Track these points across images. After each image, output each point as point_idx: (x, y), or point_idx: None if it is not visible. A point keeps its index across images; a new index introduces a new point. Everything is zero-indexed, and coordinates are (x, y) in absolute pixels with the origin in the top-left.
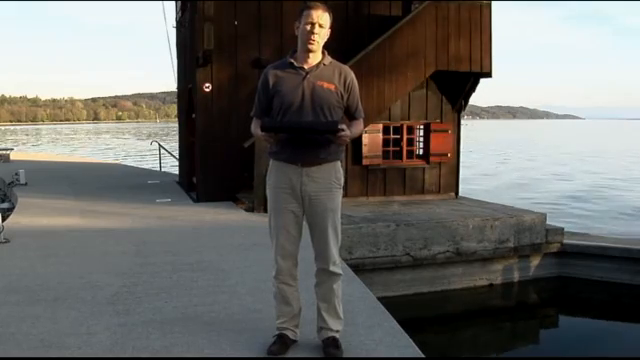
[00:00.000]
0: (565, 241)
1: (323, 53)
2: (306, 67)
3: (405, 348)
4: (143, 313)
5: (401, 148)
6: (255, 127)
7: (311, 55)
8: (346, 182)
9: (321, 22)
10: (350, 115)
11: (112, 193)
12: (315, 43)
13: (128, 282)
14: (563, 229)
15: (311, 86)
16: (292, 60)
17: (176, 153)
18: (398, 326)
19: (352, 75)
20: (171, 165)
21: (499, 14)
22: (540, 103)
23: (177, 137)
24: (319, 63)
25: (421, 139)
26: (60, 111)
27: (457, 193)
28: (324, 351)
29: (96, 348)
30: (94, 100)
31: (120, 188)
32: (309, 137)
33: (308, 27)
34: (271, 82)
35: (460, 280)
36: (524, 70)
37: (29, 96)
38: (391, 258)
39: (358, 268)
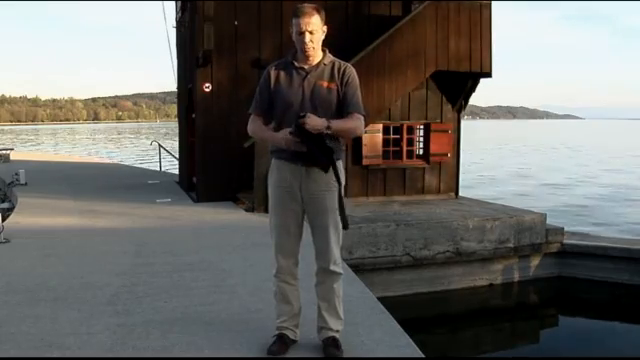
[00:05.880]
0: (565, 241)
1: (324, 52)
2: (306, 67)
3: (405, 348)
4: (143, 313)
5: (401, 148)
6: (253, 126)
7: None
8: (346, 182)
9: (310, 29)
10: (343, 107)
11: (112, 193)
12: (310, 49)
13: (128, 282)
14: (563, 229)
15: (311, 86)
16: (293, 60)
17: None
18: (398, 326)
19: (351, 70)
20: (171, 164)
21: (499, 14)
22: (540, 103)
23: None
24: (319, 63)
25: (421, 139)
26: (60, 111)
27: (457, 193)
28: (324, 351)
29: (96, 348)
30: (94, 100)
31: (120, 188)
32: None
33: (300, 37)
34: (272, 81)
35: (460, 280)
36: (524, 70)
37: (29, 96)
38: (391, 258)
39: (358, 268)
